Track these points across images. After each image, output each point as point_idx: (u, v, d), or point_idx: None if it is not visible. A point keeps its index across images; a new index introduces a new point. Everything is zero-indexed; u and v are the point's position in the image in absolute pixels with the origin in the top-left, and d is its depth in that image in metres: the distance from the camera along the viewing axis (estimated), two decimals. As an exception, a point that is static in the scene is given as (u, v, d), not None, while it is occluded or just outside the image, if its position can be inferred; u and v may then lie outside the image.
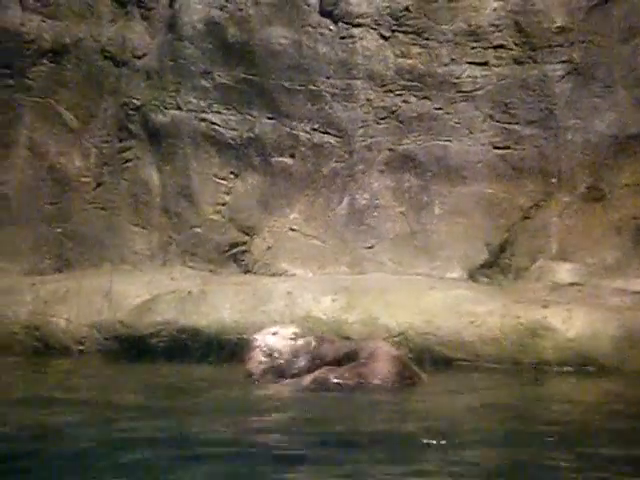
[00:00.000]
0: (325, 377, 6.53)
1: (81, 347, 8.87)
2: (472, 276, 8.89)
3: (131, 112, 9.65)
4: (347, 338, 7.85)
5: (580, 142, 8.94)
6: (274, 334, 6.98)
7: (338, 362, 6.67)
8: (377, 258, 9.08)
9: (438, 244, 9.03)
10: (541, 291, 8.44)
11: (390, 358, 6.61)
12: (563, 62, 8.99)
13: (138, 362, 8.40)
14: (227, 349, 8.30)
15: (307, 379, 6.57)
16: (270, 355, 6.88)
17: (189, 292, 8.70)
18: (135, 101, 9.63)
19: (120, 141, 9.71)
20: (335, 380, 6.48)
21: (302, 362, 6.75)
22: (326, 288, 8.54)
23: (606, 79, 8.97)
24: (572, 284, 8.52)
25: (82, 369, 8.33)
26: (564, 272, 8.65)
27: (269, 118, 9.39)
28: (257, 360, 6.87)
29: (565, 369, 7.72)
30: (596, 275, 8.59)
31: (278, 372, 6.85)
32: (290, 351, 6.80)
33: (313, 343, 6.82)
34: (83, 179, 9.77)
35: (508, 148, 9.00)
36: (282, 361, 6.84)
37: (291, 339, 6.90)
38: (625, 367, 7.63)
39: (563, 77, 8.99)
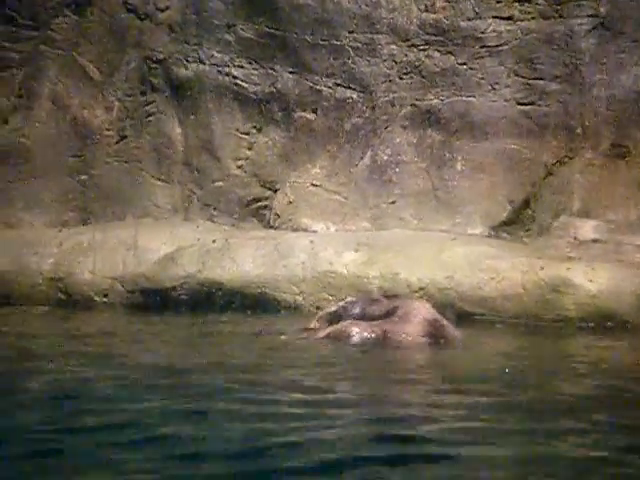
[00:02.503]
0: (341, 329, 6.54)
1: (104, 299, 8.92)
2: (494, 232, 8.88)
3: (154, 65, 9.64)
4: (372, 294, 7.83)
5: (605, 98, 8.87)
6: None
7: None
8: (398, 213, 9.09)
9: (460, 200, 9.01)
10: (563, 247, 8.42)
11: (421, 320, 6.57)
12: (589, 16, 8.90)
13: (160, 314, 8.45)
14: (249, 302, 8.37)
15: (326, 330, 6.60)
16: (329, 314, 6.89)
17: (213, 243, 8.74)
18: (158, 54, 9.61)
19: (143, 94, 9.70)
20: (355, 333, 6.49)
21: (355, 315, 6.74)
22: (347, 243, 8.55)
23: (632, 34, 8.88)
24: (594, 240, 8.51)
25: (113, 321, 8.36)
26: (587, 229, 8.63)
27: (291, 73, 9.35)
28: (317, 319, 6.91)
29: (587, 325, 7.70)
30: (619, 232, 8.56)
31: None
32: (343, 307, 6.82)
33: (362, 302, 6.83)
34: (106, 132, 9.79)
35: (532, 104, 8.95)
36: (336, 313, 6.86)
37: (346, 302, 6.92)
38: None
39: (589, 32, 8.90)
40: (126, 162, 9.72)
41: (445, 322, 6.69)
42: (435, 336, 6.53)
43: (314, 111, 9.31)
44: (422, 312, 6.64)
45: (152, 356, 6.33)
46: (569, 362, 6.26)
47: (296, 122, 9.37)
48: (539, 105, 8.94)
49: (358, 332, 6.50)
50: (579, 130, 8.89)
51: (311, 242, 8.56)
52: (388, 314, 6.62)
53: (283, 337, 6.94)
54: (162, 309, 8.61)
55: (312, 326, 6.88)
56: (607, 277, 7.91)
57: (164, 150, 9.63)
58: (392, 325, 6.52)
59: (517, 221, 8.90)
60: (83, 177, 9.76)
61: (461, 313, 7.97)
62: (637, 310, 7.72)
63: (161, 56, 9.60)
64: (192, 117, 9.56)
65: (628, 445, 4.01)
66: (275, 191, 9.38)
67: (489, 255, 8.28)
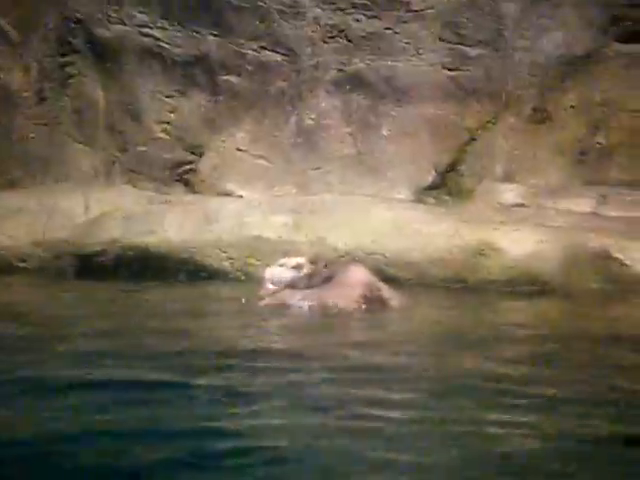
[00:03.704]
0: (281, 300, 6.54)
1: (25, 265, 8.78)
2: (419, 197, 8.94)
3: (74, 26, 9.43)
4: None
5: (527, 63, 8.96)
6: (280, 266, 6.89)
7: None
8: (324, 178, 9.09)
9: (385, 165, 9.04)
10: (487, 212, 8.51)
11: (357, 283, 6.58)
12: (511, -20, 8.96)
13: (82, 280, 8.35)
14: (174, 269, 8.31)
15: (266, 300, 6.58)
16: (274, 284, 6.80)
17: (137, 207, 8.65)
18: (78, 14, 9.41)
19: (62, 56, 9.50)
20: (292, 302, 6.49)
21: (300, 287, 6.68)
22: (274, 209, 8.53)
23: None
24: (517, 205, 8.62)
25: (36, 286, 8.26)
26: (510, 193, 8.74)
27: (215, 35, 9.24)
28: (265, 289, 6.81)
29: (512, 289, 7.81)
30: (541, 196, 8.69)
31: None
32: (291, 280, 6.73)
33: (307, 270, 6.76)
34: (24, 94, 9.58)
35: (456, 69, 9.00)
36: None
37: (293, 268, 6.82)
38: (570, 287, 7.74)
39: (511, -4, 8.97)
40: (46, 125, 9.53)
41: (382, 286, 6.70)
42: (372, 301, 6.54)
43: (238, 75, 9.23)
44: (356, 275, 6.64)
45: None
46: (505, 326, 6.34)
47: (220, 86, 9.28)
48: (463, 70, 9.00)
49: (298, 300, 6.49)
50: (502, 95, 8.97)
51: (238, 208, 8.53)
52: (326, 280, 6.62)
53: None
54: (84, 275, 8.50)
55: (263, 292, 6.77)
56: (530, 241, 8.03)
57: (85, 113, 9.46)
58: (327, 291, 6.53)
59: (442, 186, 8.97)
60: (1, 141, 9.55)
61: (388, 278, 8.00)
62: (560, 273, 7.86)
63: (81, 16, 9.40)
64: (114, 79, 9.40)
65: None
66: (200, 155, 9.30)
67: (415, 220, 8.34)
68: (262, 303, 6.59)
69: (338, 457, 3.41)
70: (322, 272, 6.72)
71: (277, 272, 6.82)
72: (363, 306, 6.51)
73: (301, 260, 6.82)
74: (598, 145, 8.86)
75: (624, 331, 6.20)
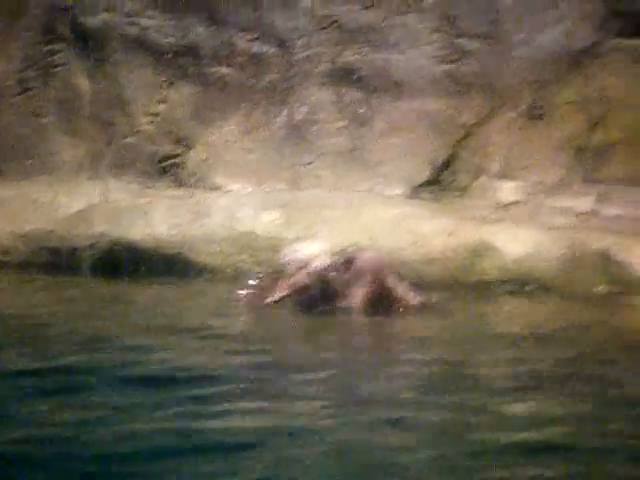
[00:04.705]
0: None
1: (8, 258, 8.56)
2: (414, 193, 8.72)
3: (59, 13, 9.18)
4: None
5: (525, 58, 8.75)
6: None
7: None
8: (316, 173, 8.84)
9: (379, 160, 8.81)
10: (484, 209, 8.33)
11: (364, 277, 6.26)
12: (509, -26, 8.77)
13: (69, 275, 8.14)
14: (163, 264, 8.09)
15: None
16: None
17: (124, 201, 8.44)
18: (64, 1, 9.15)
19: (47, 44, 9.25)
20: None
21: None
22: (265, 204, 8.32)
23: (553, -7, 8.79)
24: (514, 202, 8.43)
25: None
26: (506, 190, 8.54)
27: (205, 25, 9.01)
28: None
29: (509, 289, 7.63)
30: (538, 193, 8.49)
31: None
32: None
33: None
34: (7, 83, 9.33)
35: (453, 62, 8.77)
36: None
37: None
38: (568, 288, 7.56)
39: (509, -10, 8.77)
40: (30, 115, 9.28)
41: (395, 282, 6.34)
42: (381, 299, 6.24)
43: (229, 66, 8.99)
44: (366, 269, 6.29)
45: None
46: (509, 326, 6.18)
47: (210, 77, 9.04)
48: (460, 64, 8.77)
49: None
50: (499, 90, 8.77)
51: (228, 203, 8.31)
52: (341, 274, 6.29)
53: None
54: (69, 270, 8.29)
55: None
56: (527, 240, 7.86)
57: (71, 103, 9.21)
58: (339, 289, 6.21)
59: (437, 182, 8.74)
60: (-16, 131, 9.31)
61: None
62: (557, 273, 7.68)
63: (68, 3, 9.15)
64: (101, 69, 9.16)
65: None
66: (189, 148, 9.06)
67: (410, 217, 8.15)
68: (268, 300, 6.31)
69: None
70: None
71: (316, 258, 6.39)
72: (368, 305, 6.22)
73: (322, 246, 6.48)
74: (597, 142, 8.66)
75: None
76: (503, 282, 7.67)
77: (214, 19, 8.98)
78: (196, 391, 4.27)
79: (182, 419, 3.83)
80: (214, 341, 5.48)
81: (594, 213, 8.22)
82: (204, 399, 4.16)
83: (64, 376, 4.54)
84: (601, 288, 7.53)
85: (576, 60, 8.74)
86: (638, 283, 7.49)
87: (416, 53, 8.78)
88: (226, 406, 4.06)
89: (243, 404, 4.12)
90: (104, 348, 5.16)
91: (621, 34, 8.75)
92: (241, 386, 4.42)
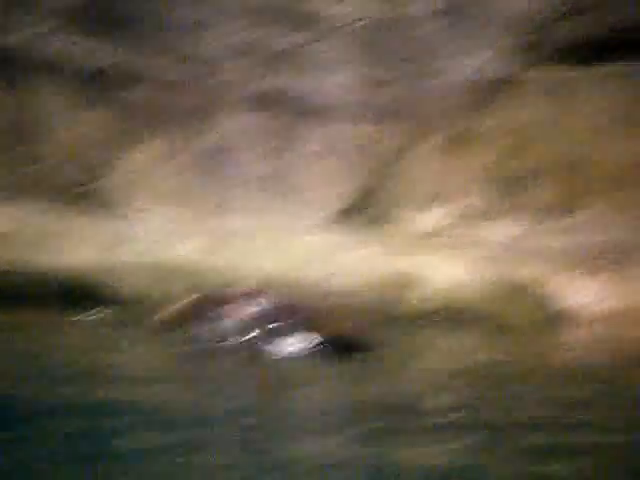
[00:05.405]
0: None
1: None
2: (335, 222, 8.58)
3: (-34, 35, 8.87)
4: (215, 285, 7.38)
5: (445, 86, 8.74)
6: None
7: None
8: (236, 201, 8.65)
9: (301, 187, 8.67)
10: (406, 238, 8.22)
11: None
12: (430, 2, 8.76)
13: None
14: (78, 295, 7.76)
15: None
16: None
17: (34, 229, 8.11)
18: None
19: (-48, 66, 8.92)
20: None
21: None
22: (185, 232, 8.08)
23: (472, 22, 8.80)
24: (438, 231, 8.34)
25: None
26: (430, 217, 8.46)
27: (119, 49, 8.79)
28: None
29: (436, 319, 7.50)
30: (463, 220, 8.43)
31: None
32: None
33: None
34: None
35: (374, 89, 8.72)
36: None
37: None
38: (491, 320, 7.46)
39: (429, 18, 8.76)
40: (-64, 138, 8.92)
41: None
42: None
43: (145, 90, 8.78)
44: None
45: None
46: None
47: (124, 101, 8.81)
48: (381, 91, 8.72)
49: None
50: (420, 118, 8.72)
51: (146, 230, 8.05)
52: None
53: None
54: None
55: None
56: (450, 270, 7.74)
57: (-21, 128, 8.89)
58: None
59: (362, 209, 8.63)
60: None
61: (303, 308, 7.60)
62: (484, 301, 7.58)
63: (-25, 24, 8.85)
64: (10, 93, 8.85)
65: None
66: (103, 174, 8.78)
67: (332, 246, 7.98)
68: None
69: None
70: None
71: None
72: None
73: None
74: (518, 170, 8.65)
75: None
76: (428, 313, 7.54)
77: (129, 42, 8.76)
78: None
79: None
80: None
81: (517, 242, 8.17)
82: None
83: None
84: (523, 320, 7.45)
85: (494, 89, 8.76)
86: (558, 315, 7.45)
87: (338, 79, 8.70)
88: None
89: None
90: None
91: (537, 64, 8.81)
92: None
